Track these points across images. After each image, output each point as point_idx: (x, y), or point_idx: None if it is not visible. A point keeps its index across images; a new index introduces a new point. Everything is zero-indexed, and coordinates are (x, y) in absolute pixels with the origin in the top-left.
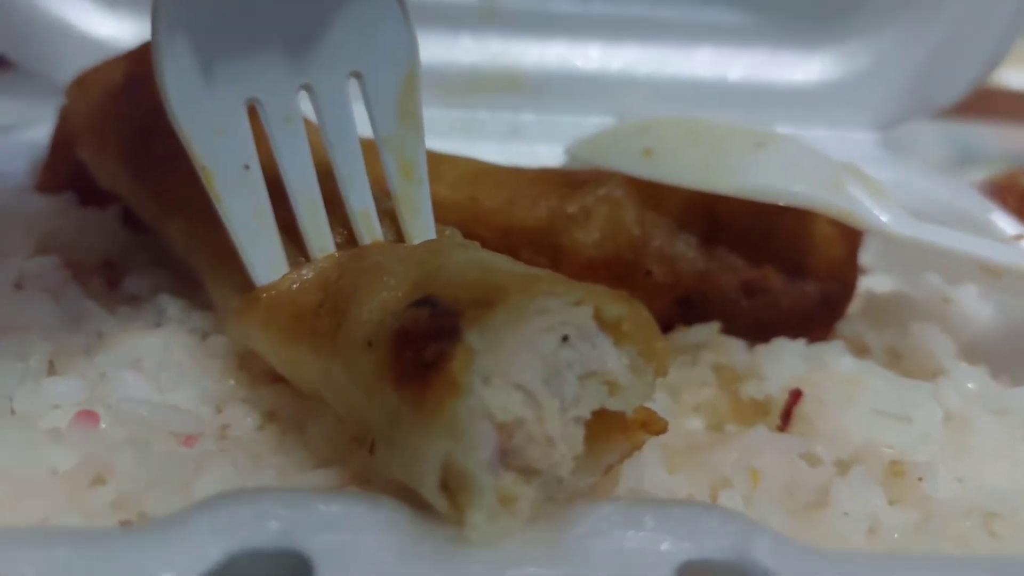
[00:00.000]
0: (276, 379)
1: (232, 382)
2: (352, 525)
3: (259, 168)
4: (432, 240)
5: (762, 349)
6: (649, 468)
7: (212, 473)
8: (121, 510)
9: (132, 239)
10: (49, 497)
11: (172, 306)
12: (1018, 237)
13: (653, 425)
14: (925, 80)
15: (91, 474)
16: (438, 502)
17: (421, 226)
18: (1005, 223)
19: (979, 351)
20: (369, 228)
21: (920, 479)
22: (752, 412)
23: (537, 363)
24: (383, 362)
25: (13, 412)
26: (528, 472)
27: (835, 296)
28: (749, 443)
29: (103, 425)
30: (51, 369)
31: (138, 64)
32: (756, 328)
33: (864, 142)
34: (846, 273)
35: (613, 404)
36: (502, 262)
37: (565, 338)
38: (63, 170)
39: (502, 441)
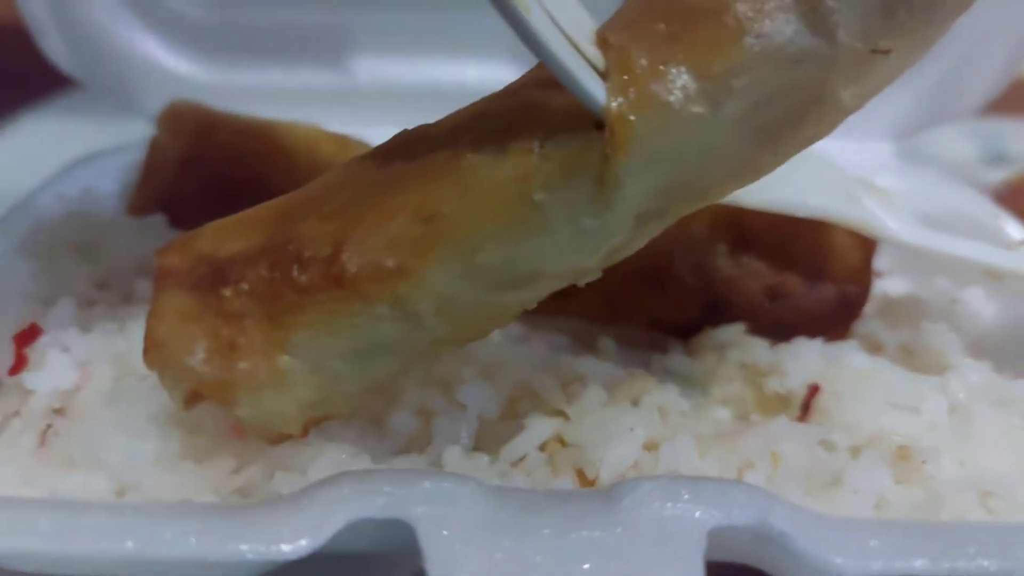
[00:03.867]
0: None
1: None
2: (445, 498)
3: None
4: None
5: (783, 348)
6: (683, 453)
7: (325, 459)
8: (248, 496)
9: None
10: (191, 481)
11: None
12: (1022, 243)
13: None
14: (942, 91)
15: (223, 464)
16: None
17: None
18: (1013, 228)
19: (984, 347)
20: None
21: (924, 462)
22: (774, 404)
23: None
24: None
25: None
26: None
27: (851, 299)
28: (771, 431)
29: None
30: None
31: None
32: (778, 329)
33: (881, 152)
34: (861, 278)
35: None
36: None
37: None
38: (155, 193)
39: None
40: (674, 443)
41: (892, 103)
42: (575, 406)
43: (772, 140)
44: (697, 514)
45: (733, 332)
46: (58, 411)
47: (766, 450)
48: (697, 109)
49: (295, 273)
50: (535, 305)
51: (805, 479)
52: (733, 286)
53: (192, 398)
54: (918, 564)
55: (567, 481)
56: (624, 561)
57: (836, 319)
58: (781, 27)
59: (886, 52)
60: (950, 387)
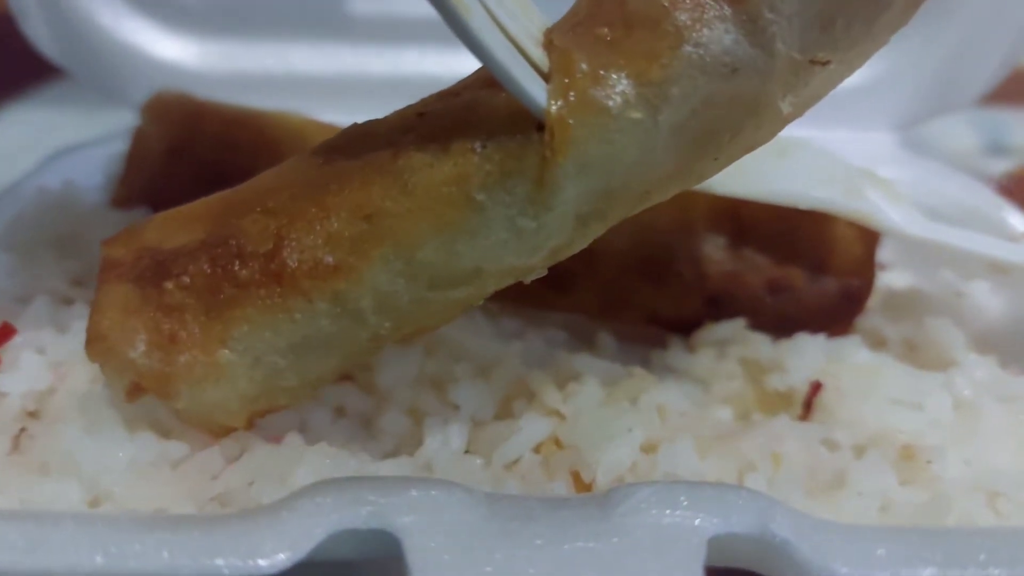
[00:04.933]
0: (343, 378)
1: None
2: (432, 507)
3: None
4: None
5: (785, 344)
6: (682, 455)
7: (307, 465)
8: (227, 504)
9: None
10: (167, 490)
11: None
12: None
13: None
14: (944, 80)
15: (200, 471)
16: None
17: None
18: (1017, 220)
19: (989, 342)
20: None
21: (929, 461)
22: (776, 402)
23: None
24: None
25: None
26: None
27: (854, 293)
28: (773, 431)
29: None
30: None
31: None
32: (780, 323)
33: (884, 143)
34: (864, 271)
35: None
36: None
37: None
38: (139, 185)
39: None
40: (673, 445)
41: (893, 92)
42: (571, 405)
43: (711, 146)
44: (696, 522)
45: (734, 327)
46: (32, 414)
47: (767, 451)
48: (635, 115)
49: (235, 268)
50: (480, 302)
51: (808, 481)
52: (733, 280)
53: (134, 390)
54: (926, 573)
55: (562, 485)
56: (620, 573)
57: (839, 313)
58: (719, 37)
59: (824, 63)
60: (955, 383)
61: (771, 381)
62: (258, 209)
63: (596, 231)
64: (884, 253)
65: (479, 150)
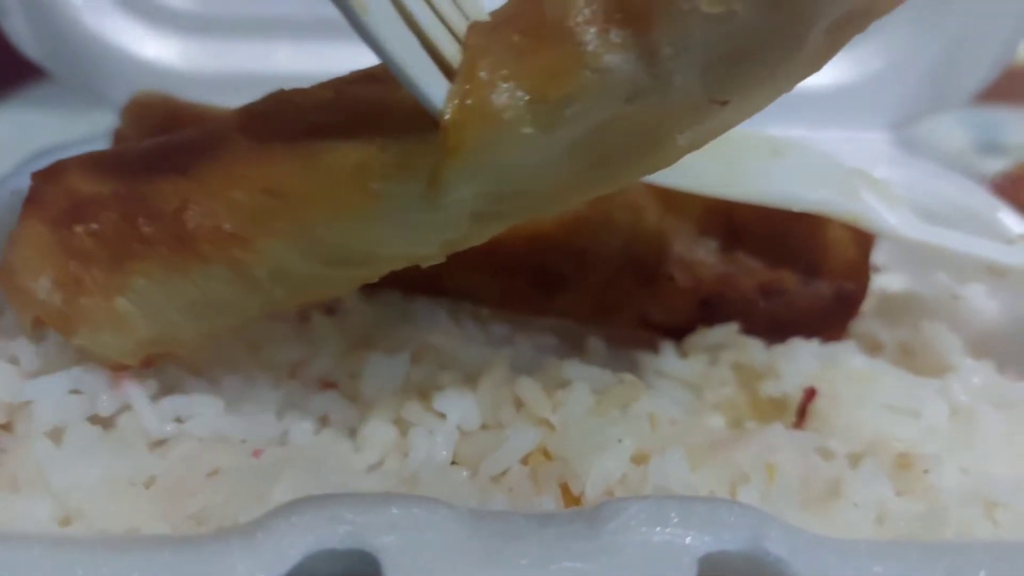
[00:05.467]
0: (327, 385)
1: (285, 391)
2: (412, 526)
3: None
4: None
5: (779, 349)
6: (673, 466)
7: (286, 481)
8: (203, 523)
9: None
10: (140, 508)
11: None
12: (1023, 236)
13: None
14: (937, 79)
15: (176, 487)
16: None
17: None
18: (1012, 220)
19: (986, 346)
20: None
21: (926, 471)
22: (770, 409)
23: None
24: None
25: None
26: None
27: (849, 296)
28: (766, 440)
29: (182, 440)
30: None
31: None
32: (774, 328)
33: (877, 142)
34: (859, 275)
35: None
36: None
37: None
38: None
39: None
40: (664, 456)
41: (887, 92)
42: (561, 414)
43: (607, 167)
44: (687, 539)
45: (727, 332)
46: (4, 426)
47: (761, 461)
48: (528, 129)
49: (142, 223)
50: (376, 279)
51: (802, 492)
52: (726, 283)
53: (37, 324)
54: None
55: (550, 498)
56: None
57: (833, 317)
58: (619, 64)
59: (723, 103)
60: (951, 389)
61: (765, 387)
62: (174, 169)
63: (495, 228)
64: (878, 255)
65: (381, 142)
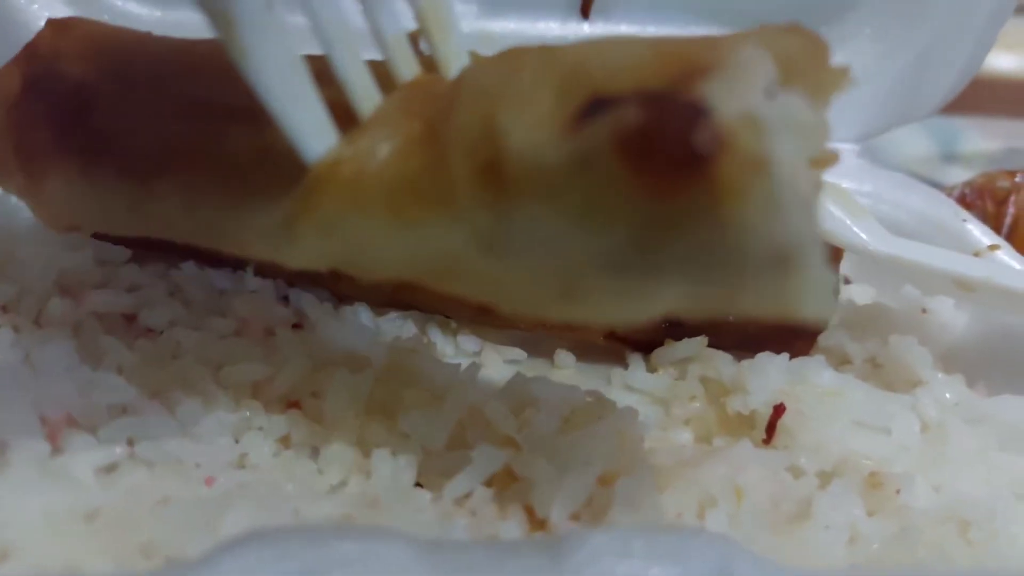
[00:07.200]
0: (290, 405)
1: (247, 412)
2: (364, 561)
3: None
4: (530, 48)
5: (747, 363)
6: (640, 488)
7: (237, 511)
8: (149, 557)
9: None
10: (80, 542)
11: (188, 338)
12: (992, 248)
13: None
14: (903, 91)
15: (122, 518)
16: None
17: (452, 45)
18: (980, 232)
19: (956, 360)
20: (406, 58)
21: (898, 491)
22: (738, 425)
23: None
24: (618, 176)
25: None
26: None
27: None
28: (734, 459)
29: (132, 466)
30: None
31: (32, 61)
32: (742, 341)
33: (843, 153)
34: None
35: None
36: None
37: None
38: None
39: None
40: (631, 478)
41: (853, 104)
42: (527, 433)
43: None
44: (652, 572)
45: (694, 345)
46: None
47: (729, 482)
48: (380, 222)
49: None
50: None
51: (771, 513)
52: None
53: None
54: None
55: (514, 524)
56: None
57: (802, 330)
58: (480, 220)
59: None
60: (921, 404)
61: (733, 403)
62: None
63: (354, 276)
64: (845, 266)
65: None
